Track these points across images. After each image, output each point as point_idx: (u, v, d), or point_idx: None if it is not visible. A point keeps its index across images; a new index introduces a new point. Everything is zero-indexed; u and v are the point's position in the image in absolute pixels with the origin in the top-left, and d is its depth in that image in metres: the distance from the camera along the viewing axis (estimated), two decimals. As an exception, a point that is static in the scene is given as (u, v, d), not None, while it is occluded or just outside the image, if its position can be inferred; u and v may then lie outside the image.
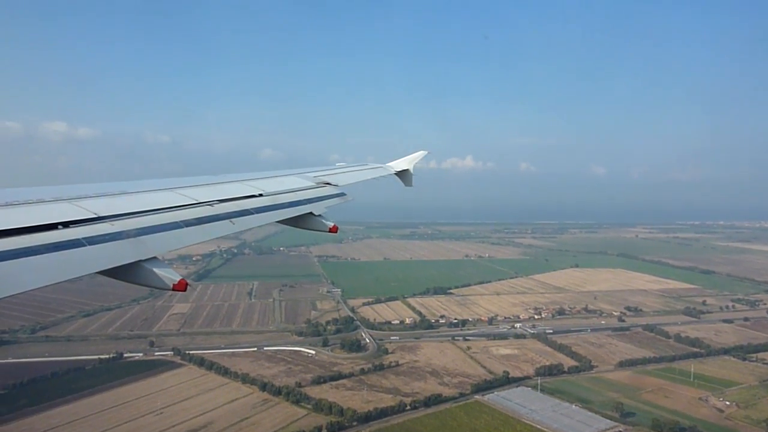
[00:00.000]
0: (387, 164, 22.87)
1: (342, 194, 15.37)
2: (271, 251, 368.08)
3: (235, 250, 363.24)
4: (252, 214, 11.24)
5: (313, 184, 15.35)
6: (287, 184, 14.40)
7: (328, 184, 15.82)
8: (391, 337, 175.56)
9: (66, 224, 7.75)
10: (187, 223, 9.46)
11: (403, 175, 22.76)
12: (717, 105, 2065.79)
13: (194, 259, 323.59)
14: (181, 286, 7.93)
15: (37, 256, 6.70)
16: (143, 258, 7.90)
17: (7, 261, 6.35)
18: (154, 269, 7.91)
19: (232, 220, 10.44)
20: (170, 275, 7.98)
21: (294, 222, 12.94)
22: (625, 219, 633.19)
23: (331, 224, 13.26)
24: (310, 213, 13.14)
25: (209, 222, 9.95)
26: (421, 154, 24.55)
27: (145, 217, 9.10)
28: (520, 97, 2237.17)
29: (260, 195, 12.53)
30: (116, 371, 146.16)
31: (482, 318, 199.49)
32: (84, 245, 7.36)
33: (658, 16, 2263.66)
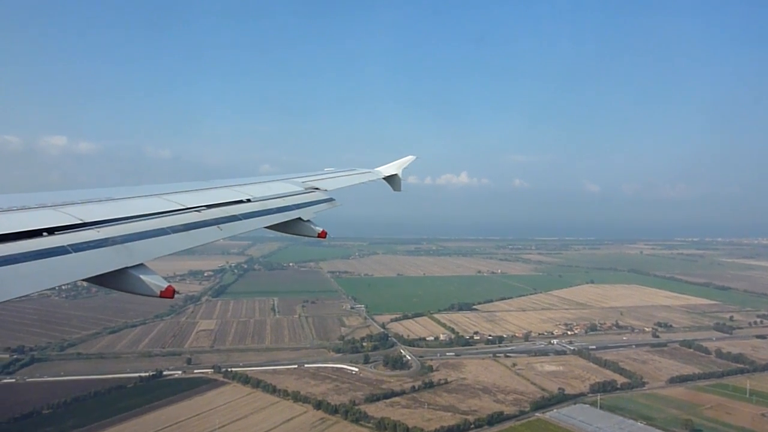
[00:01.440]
0: (375, 169, 22.50)
1: (330, 199, 15.29)
2: (281, 267, 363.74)
3: (246, 266, 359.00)
4: (240, 219, 11.12)
5: (302, 189, 15.30)
6: (275, 189, 14.33)
7: (316, 189, 15.77)
8: (439, 354, 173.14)
9: (51, 231, 7.59)
10: (174, 230, 9.37)
11: (391, 180, 22.43)
12: (708, 124, 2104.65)
13: (206, 274, 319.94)
14: (169, 293, 7.77)
15: (22, 264, 6.54)
16: (130, 265, 7.75)
17: None
18: (141, 276, 7.73)
19: (219, 226, 10.33)
20: (157, 282, 7.78)
21: (282, 227, 12.78)
22: (624, 235, 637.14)
23: (319, 229, 13.18)
24: (299, 218, 13.02)
25: (196, 228, 9.86)
26: (409, 159, 24.22)
27: (131, 223, 8.98)
28: (514, 114, 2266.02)
29: (248, 200, 12.42)
30: (159, 390, 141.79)
31: (517, 334, 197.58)
32: (69, 252, 7.23)
33: (651, 35, 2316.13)
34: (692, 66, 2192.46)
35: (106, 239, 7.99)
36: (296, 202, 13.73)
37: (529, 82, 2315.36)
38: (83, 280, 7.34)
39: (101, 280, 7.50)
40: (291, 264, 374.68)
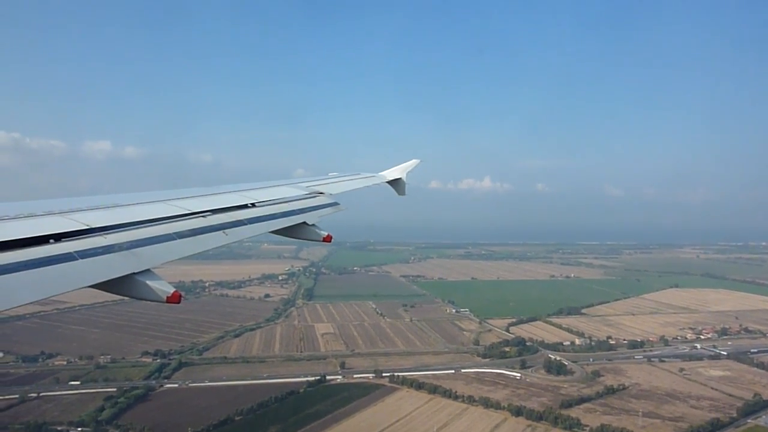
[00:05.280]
0: (379, 173, 22.50)
1: (335, 204, 15.31)
2: (348, 271, 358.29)
3: (314, 270, 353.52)
4: (245, 224, 11.06)
5: (306, 193, 15.32)
6: (280, 194, 14.32)
7: (321, 193, 15.79)
8: (592, 359, 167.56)
9: (58, 237, 7.49)
10: (180, 235, 9.24)
11: (395, 184, 22.37)
12: (728, 127, 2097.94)
13: (280, 278, 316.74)
14: (175, 298, 7.60)
15: (29, 270, 6.49)
16: (136, 271, 7.63)
17: None
18: (148, 282, 7.65)
19: (225, 231, 10.25)
20: (164, 287, 7.67)
21: (288, 232, 12.65)
22: (665, 239, 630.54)
23: (324, 233, 13.03)
24: (304, 223, 12.91)
25: (202, 233, 9.74)
26: (413, 162, 24.12)
27: (137, 229, 8.84)
28: (534, 119, 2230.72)
29: (253, 205, 12.36)
30: (334, 394, 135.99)
31: (651, 339, 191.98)
32: (76, 258, 7.17)
33: (672, 39, 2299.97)
34: (710, 67, 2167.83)
35: (113, 245, 7.89)
36: (301, 207, 13.68)
37: (550, 87, 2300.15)
38: (90, 286, 7.13)
39: (108, 286, 7.34)
40: (356, 268, 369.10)
